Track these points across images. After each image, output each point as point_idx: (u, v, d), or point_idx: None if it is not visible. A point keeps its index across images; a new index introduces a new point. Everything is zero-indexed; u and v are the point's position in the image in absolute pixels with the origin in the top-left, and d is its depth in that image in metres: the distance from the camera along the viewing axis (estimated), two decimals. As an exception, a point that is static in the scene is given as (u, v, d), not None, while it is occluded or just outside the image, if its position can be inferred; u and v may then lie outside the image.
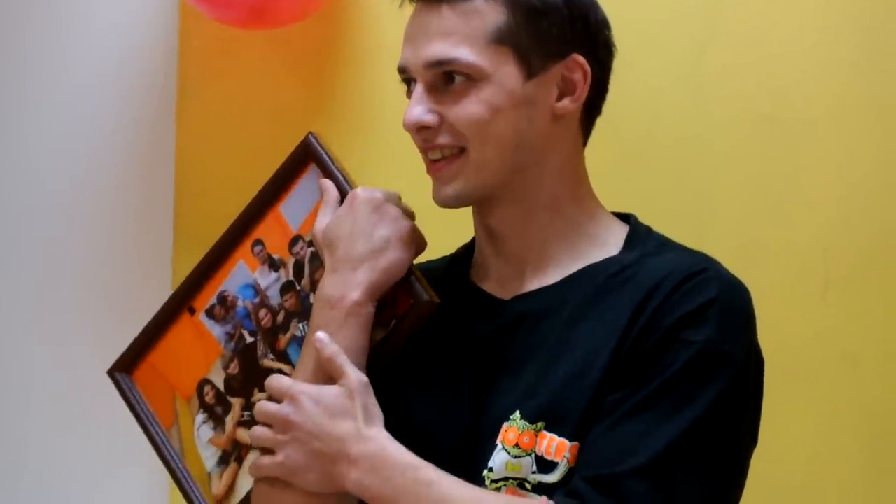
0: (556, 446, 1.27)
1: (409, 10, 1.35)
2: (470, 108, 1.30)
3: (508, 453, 1.28)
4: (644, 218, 1.41)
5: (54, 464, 2.23)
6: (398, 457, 1.25)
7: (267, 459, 1.25)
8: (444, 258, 1.49)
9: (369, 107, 1.96)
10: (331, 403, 1.24)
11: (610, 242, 1.37)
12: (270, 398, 1.26)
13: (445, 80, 1.31)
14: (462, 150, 1.32)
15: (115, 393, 1.60)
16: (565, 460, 1.25)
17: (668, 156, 1.94)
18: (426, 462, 1.27)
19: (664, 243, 1.37)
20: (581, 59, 1.33)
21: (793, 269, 1.89)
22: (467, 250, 1.47)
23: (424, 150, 1.35)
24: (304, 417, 1.24)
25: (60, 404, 2.25)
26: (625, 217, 1.43)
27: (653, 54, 1.90)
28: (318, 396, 1.24)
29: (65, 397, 2.24)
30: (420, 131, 1.31)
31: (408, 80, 1.35)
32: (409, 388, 1.38)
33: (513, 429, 1.29)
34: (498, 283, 1.39)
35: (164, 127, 2.13)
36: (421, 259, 1.39)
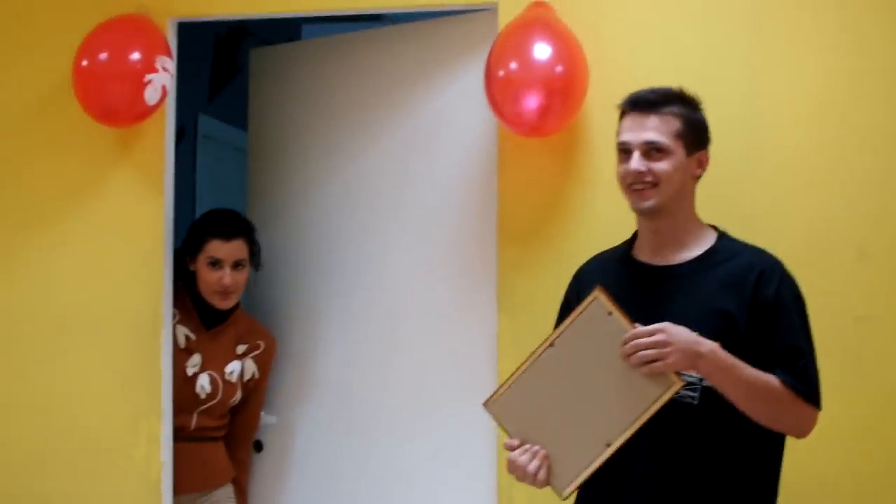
0: None
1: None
2: (663, 165, 2.07)
3: None
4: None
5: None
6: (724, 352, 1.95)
7: (660, 363, 1.92)
8: (612, 248, 2.25)
9: (609, 173, 2.31)
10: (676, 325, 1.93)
11: (710, 238, 2.16)
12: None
13: (650, 151, 2.05)
14: (654, 185, 2.06)
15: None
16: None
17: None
18: None
19: (737, 240, 2.15)
20: (706, 151, 2.15)
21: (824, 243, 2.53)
22: (629, 243, 2.22)
23: (632, 187, 2.07)
24: (674, 335, 1.93)
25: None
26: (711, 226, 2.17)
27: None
28: (667, 324, 1.95)
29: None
30: (638, 175, 2.06)
31: (626, 149, 2.08)
32: None
33: None
34: (655, 257, 2.14)
35: (489, 196, 2.80)
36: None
